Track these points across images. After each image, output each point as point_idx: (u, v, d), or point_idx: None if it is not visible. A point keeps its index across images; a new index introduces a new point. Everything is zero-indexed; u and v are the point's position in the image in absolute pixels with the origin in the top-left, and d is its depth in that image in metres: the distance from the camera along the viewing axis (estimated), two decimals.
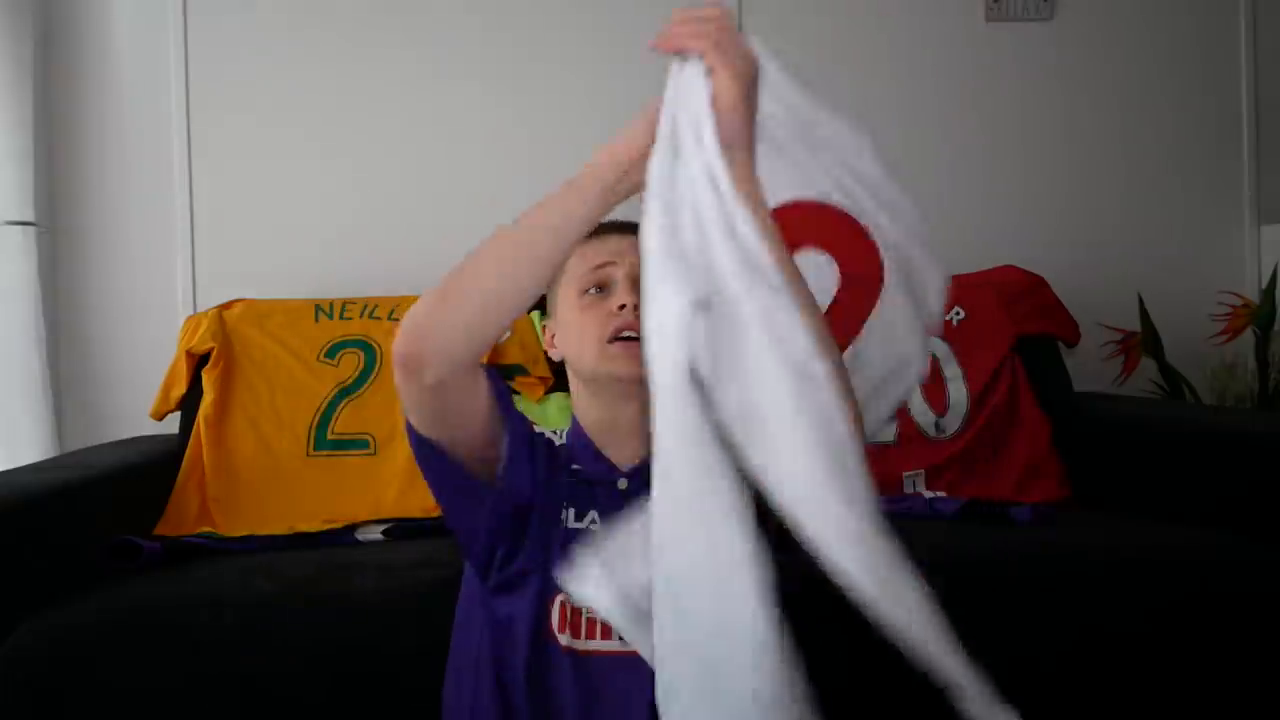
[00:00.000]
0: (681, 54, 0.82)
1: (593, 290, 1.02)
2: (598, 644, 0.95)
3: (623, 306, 0.99)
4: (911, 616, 0.70)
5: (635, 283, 0.97)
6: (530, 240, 0.87)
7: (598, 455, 1.03)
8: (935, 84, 2.26)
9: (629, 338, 0.98)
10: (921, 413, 1.85)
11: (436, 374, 0.86)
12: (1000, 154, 2.28)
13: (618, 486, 1.02)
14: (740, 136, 0.81)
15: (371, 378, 1.82)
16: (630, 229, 1.02)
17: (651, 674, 0.79)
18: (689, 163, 0.79)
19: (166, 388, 1.87)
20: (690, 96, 0.80)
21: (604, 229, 1.03)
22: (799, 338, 0.74)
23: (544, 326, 1.12)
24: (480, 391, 0.93)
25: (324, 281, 2.06)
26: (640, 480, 0.90)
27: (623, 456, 1.03)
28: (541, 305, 1.09)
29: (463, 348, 0.87)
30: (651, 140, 0.83)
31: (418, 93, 2.18)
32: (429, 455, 0.94)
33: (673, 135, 0.80)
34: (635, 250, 0.97)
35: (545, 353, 1.15)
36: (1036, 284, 2.04)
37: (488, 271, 0.87)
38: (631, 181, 0.86)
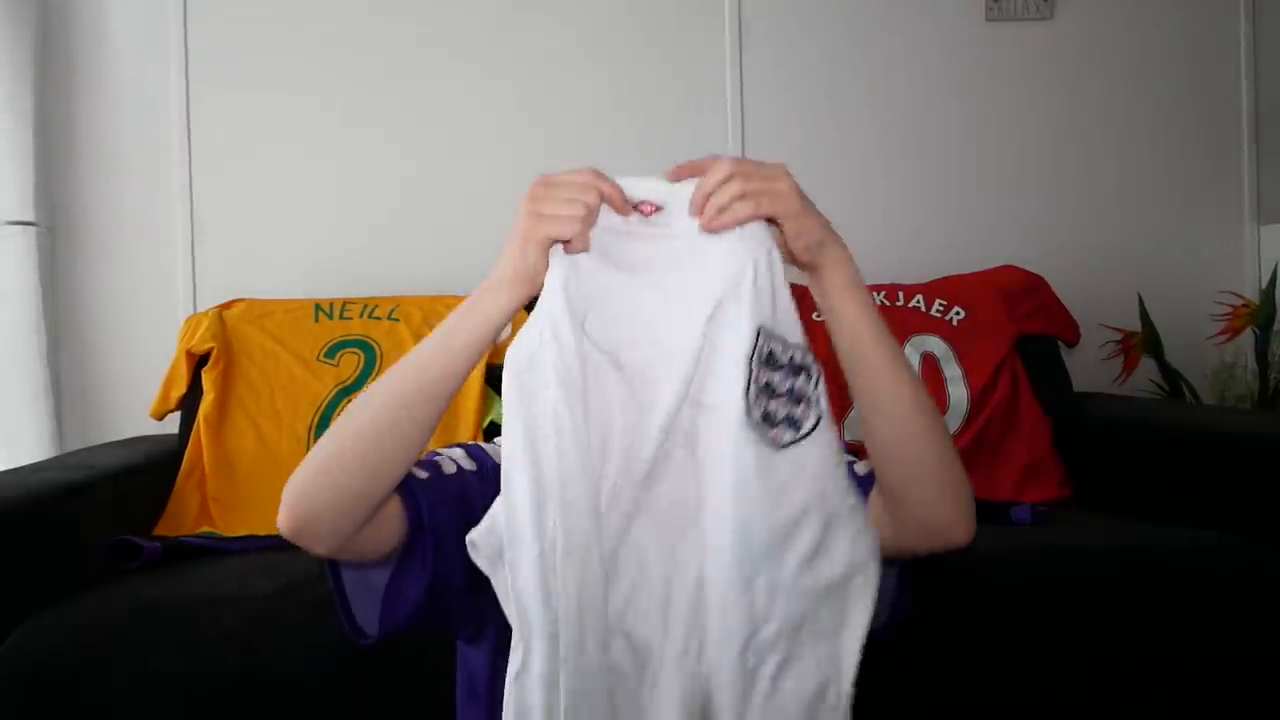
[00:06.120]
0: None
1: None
2: None
3: None
4: None
5: None
6: (406, 405, 0.80)
7: None
8: (935, 84, 2.26)
9: None
10: None
11: (329, 546, 0.81)
12: (1000, 154, 2.28)
13: None
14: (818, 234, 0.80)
15: (371, 378, 1.82)
16: None
17: None
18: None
19: (166, 388, 1.87)
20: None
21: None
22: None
23: None
24: (390, 521, 0.84)
25: (324, 281, 2.06)
26: None
27: None
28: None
29: (349, 521, 0.80)
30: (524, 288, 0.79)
31: (419, 92, 2.18)
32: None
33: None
34: None
35: None
36: (1036, 284, 2.04)
37: (363, 444, 0.79)
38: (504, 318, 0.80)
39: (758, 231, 0.79)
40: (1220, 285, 2.23)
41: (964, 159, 2.27)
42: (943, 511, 0.82)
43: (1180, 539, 1.44)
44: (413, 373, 0.81)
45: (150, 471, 1.73)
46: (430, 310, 1.93)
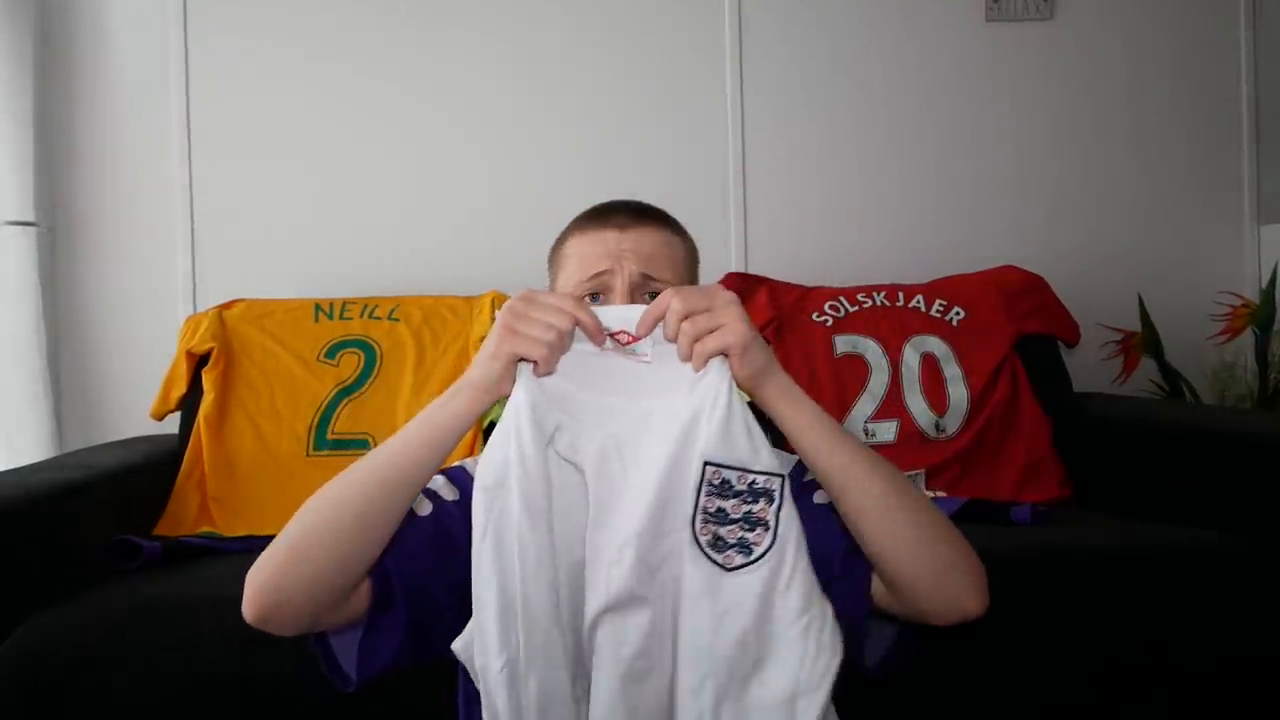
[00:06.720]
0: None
1: (586, 300, 0.93)
2: None
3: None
4: None
5: (633, 295, 0.93)
6: (378, 496, 0.81)
7: None
8: (935, 84, 2.26)
9: None
10: (921, 413, 1.85)
11: (298, 629, 0.82)
12: (1000, 154, 2.28)
13: None
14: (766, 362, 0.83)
15: (371, 378, 1.82)
16: (637, 214, 0.96)
17: None
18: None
19: (166, 388, 1.87)
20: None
21: (607, 211, 0.97)
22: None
23: None
24: (359, 593, 0.85)
25: (324, 281, 2.06)
26: None
27: None
28: None
29: (317, 606, 0.81)
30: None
31: (417, 93, 2.18)
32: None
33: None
34: (638, 248, 0.94)
35: None
36: (1036, 284, 2.04)
37: (332, 534, 0.80)
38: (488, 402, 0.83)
39: (717, 363, 0.82)
40: (1220, 285, 2.23)
41: (964, 159, 2.27)
42: (950, 588, 0.85)
43: (1180, 539, 1.44)
44: (378, 469, 0.83)
45: (150, 471, 1.73)
46: (430, 310, 1.93)
